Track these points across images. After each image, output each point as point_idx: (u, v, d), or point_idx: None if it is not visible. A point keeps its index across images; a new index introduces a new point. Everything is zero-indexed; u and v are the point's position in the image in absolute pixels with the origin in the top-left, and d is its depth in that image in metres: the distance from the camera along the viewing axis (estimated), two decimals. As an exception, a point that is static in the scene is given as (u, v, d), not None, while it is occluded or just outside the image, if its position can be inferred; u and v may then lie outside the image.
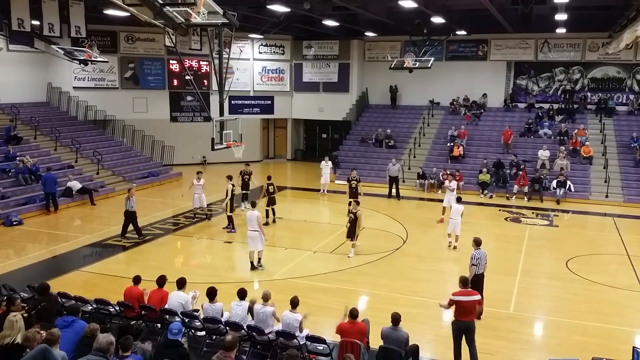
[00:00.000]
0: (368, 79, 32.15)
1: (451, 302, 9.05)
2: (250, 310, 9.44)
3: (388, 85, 31.20)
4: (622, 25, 21.08)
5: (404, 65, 24.66)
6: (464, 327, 9.02)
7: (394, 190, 23.27)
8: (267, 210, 18.33)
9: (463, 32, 26.59)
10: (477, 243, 11.10)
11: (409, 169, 25.86)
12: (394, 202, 22.69)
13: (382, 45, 31.22)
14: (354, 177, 19.10)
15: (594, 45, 27.68)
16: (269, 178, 18.88)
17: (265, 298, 9.25)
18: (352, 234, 15.07)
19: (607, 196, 22.87)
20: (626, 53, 25.09)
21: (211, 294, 9.55)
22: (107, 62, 23.99)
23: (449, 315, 11.27)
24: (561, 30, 25.09)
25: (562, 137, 26.11)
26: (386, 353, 8.36)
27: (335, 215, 19.00)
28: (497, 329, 10.66)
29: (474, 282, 10.37)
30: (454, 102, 29.90)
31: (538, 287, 13.20)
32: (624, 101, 27.87)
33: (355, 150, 28.96)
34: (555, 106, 28.45)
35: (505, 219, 20.16)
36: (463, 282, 9.13)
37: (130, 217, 16.54)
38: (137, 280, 10.14)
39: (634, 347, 8.19)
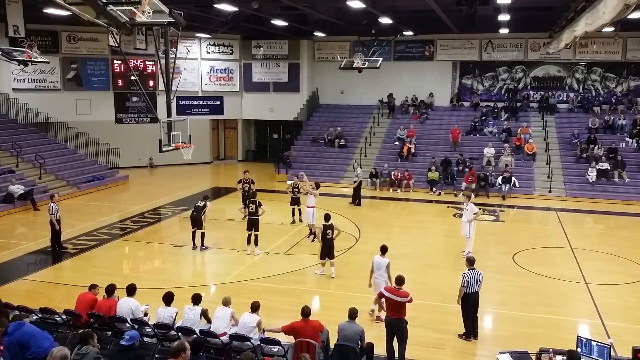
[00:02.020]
0: (318, 79, 32.22)
1: (380, 295, 9.29)
2: (205, 314, 9.33)
3: (338, 85, 31.34)
4: (562, 25, 21.87)
5: (354, 65, 24.87)
6: (391, 324, 9.21)
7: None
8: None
9: (410, 33, 27.04)
10: (470, 262, 10.35)
11: (360, 167, 26.00)
12: (346, 201, 22.72)
13: (331, 46, 31.37)
14: (296, 185, 19.05)
15: (535, 45, 28.62)
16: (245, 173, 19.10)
17: (226, 302, 9.31)
18: (330, 253, 13.68)
19: (550, 191, 23.67)
20: (566, 52, 26.07)
21: (168, 298, 9.41)
22: (48, 62, 23.09)
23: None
24: (504, 31, 25.83)
25: (506, 135, 26.88)
26: (342, 350, 8.40)
27: (288, 216, 18.92)
28: (447, 323, 10.85)
29: (466, 303, 10.17)
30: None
31: (486, 281, 13.40)
32: (565, 99, 28.91)
33: (307, 150, 28.97)
34: (500, 105, 29.25)
35: (454, 215, 20.57)
36: (397, 280, 9.28)
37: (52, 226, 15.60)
38: (92, 287, 9.91)
39: (578, 336, 8.48)
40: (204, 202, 16.05)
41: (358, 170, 22.88)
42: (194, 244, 15.96)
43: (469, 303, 10.20)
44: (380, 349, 9.36)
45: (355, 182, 22.35)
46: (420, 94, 30.60)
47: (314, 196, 16.74)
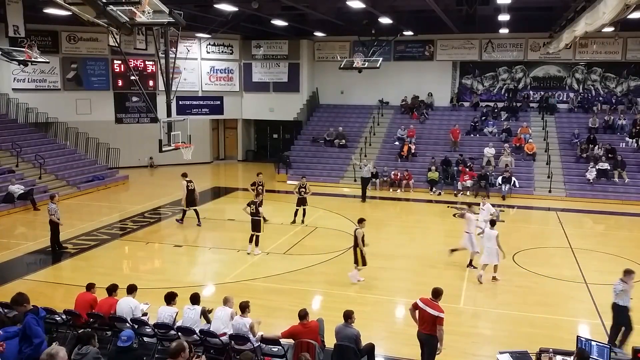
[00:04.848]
0: (318, 79, 32.23)
1: (415, 306, 8.79)
2: (204, 314, 9.33)
3: (338, 85, 31.34)
4: (562, 25, 21.87)
5: (354, 65, 24.89)
6: (421, 338, 8.75)
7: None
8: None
9: (410, 33, 27.04)
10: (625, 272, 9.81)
11: (360, 168, 26.03)
12: (346, 201, 22.76)
13: (331, 46, 31.38)
14: (303, 185, 19.04)
15: (535, 45, 28.62)
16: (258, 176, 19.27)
17: (226, 302, 9.23)
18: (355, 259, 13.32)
19: (550, 191, 23.67)
20: (566, 52, 26.06)
21: (169, 298, 9.40)
22: (48, 62, 23.15)
23: (402, 312, 11.44)
24: (504, 31, 25.83)
25: (506, 135, 26.87)
26: (341, 350, 8.39)
27: (288, 216, 18.93)
28: (448, 324, 10.72)
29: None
30: (405, 101, 30.38)
31: (486, 281, 13.52)
32: (565, 99, 28.91)
33: (306, 150, 28.96)
34: (500, 105, 29.24)
35: (454, 215, 20.57)
36: (433, 293, 8.78)
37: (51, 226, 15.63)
38: (90, 287, 9.91)
39: (578, 336, 8.48)
40: (192, 183, 18.50)
41: (366, 167, 23.33)
42: (198, 220, 18.38)
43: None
44: (380, 349, 9.37)
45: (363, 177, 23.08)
46: (420, 94, 30.58)
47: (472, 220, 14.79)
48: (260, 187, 18.79)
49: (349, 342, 8.36)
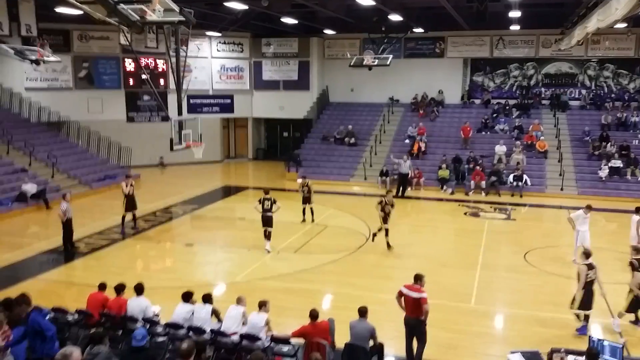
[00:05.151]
0: (328, 77, 32.18)
1: (400, 294, 9.19)
2: (216, 313, 9.36)
3: (348, 83, 31.27)
4: (574, 22, 21.64)
5: (364, 63, 24.77)
6: (410, 323, 9.10)
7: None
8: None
9: (420, 30, 26.94)
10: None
11: (371, 166, 26.03)
12: (355, 199, 22.74)
13: (341, 43, 31.32)
14: (305, 184, 19.04)
15: (547, 41, 28.39)
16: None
17: (239, 301, 9.31)
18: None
19: (562, 189, 23.50)
20: (577, 49, 25.77)
21: (186, 296, 9.46)
22: (60, 61, 23.20)
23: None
24: (515, 27, 25.67)
25: (518, 132, 26.70)
26: (352, 350, 8.40)
27: (299, 214, 18.93)
28: (459, 323, 10.80)
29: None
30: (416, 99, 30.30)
31: (498, 280, 13.48)
32: (577, 96, 28.67)
33: (317, 149, 28.94)
34: (511, 102, 29.06)
35: (465, 213, 20.49)
36: (415, 277, 9.19)
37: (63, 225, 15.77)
38: (102, 286, 9.93)
39: (590, 336, 8.43)
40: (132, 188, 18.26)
41: (401, 162, 23.75)
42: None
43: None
44: (389, 349, 9.36)
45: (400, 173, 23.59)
46: (430, 92, 30.46)
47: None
48: (306, 187, 18.76)
49: (363, 338, 8.44)
